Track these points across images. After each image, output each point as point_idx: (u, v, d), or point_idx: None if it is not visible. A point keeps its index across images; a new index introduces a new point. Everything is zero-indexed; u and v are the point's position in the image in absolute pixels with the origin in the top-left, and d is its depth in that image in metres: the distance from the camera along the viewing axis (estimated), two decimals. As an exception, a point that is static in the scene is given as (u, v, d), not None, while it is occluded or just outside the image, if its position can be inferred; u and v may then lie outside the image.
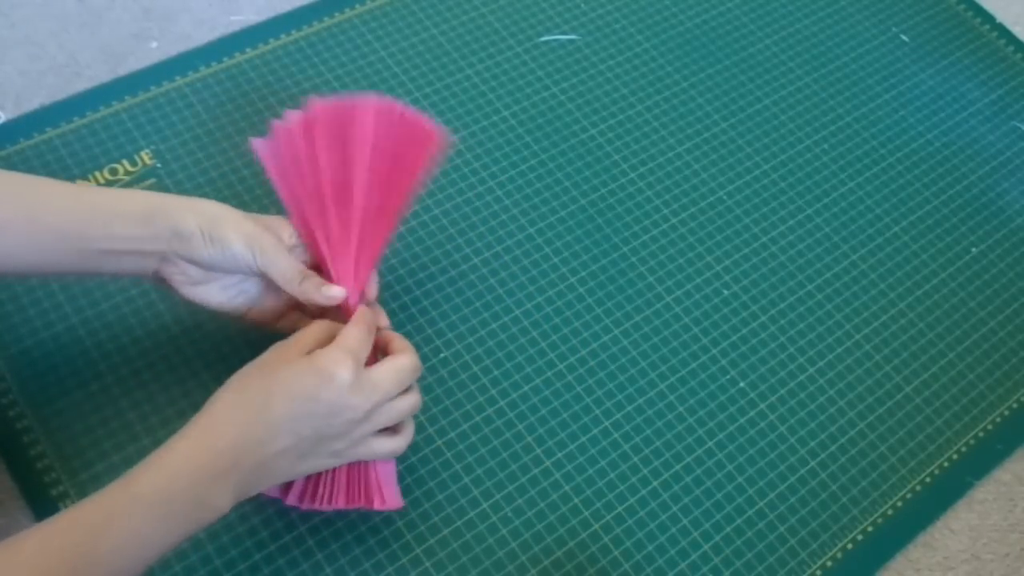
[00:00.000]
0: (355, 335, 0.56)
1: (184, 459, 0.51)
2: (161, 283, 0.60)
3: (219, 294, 0.60)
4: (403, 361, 0.58)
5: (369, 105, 0.60)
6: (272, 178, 0.60)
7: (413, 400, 0.59)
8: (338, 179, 0.59)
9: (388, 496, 0.59)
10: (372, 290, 0.62)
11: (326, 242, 0.59)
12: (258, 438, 0.52)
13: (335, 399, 0.54)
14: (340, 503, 0.58)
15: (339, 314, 0.60)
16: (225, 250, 0.57)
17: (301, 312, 0.63)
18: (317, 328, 0.57)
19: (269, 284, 0.61)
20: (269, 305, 0.62)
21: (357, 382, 0.54)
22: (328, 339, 0.56)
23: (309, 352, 0.55)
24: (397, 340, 0.60)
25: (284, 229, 0.60)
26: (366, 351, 0.56)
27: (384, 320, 0.62)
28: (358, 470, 0.59)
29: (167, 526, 0.50)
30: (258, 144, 0.60)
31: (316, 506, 0.58)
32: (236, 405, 0.53)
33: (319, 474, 0.58)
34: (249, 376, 0.54)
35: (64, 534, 0.48)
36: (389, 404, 0.57)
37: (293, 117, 0.60)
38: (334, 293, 0.59)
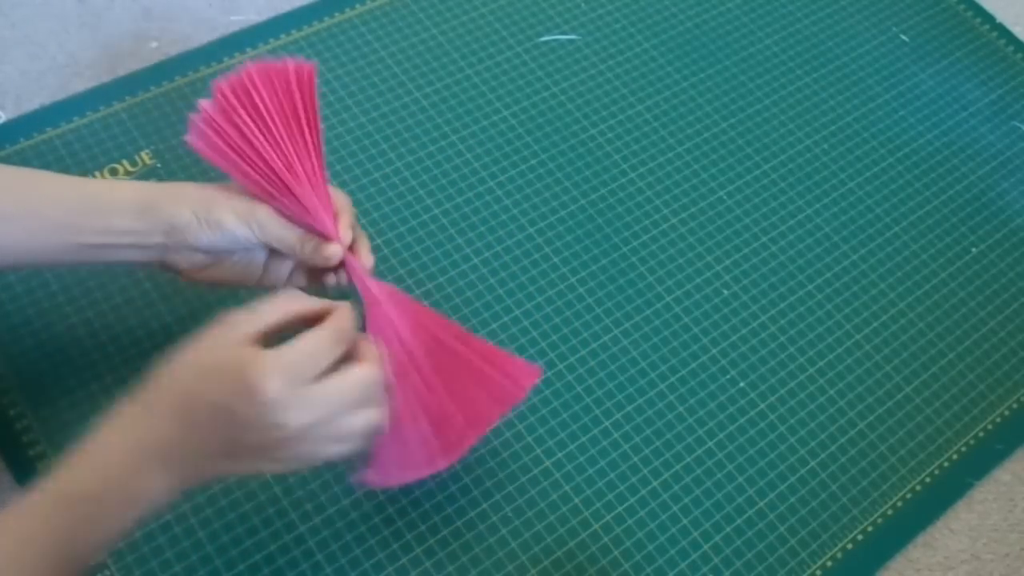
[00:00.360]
0: (304, 348, 0.49)
1: (104, 451, 0.48)
2: (171, 271, 0.59)
3: (230, 271, 0.60)
4: (360, 374, 0.51)
5: (252, 72, 0.59)
6: (215, 164, 0.59)
7: (368, 417, 0.52)
8: (268, 142, 0.58)
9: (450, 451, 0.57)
10: (349, 229, 0.59)
11: (290, 199, 0.58)
12: (181, 434, 0.49)
13: (254, 418, 0.48)
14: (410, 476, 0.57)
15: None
16: (224, 231, 0.57)
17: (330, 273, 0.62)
18: (280, 304, 0.52)
19: (275, 250, 0.61)
20: (278, 270, 0.62)
21: (289, 399, 0.48)
22: (286, 317, 0.51)
23: (259, 333, 0.50)
24: (365, 347, 0.54)
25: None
26: (315, 364, 0.50)
27: (368, 259, 0.60)
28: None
29: (97, 526, 0.48)
30: (189, 139, 0.59)
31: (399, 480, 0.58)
32: (154, 398, 0.49)
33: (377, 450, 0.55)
34: (187, 360, 0.50)
35: (28, 531, 0.46)
36: (338, 421, 0.51)
37: (206, 105, 0.59)
38: (331, 252, 0.58)
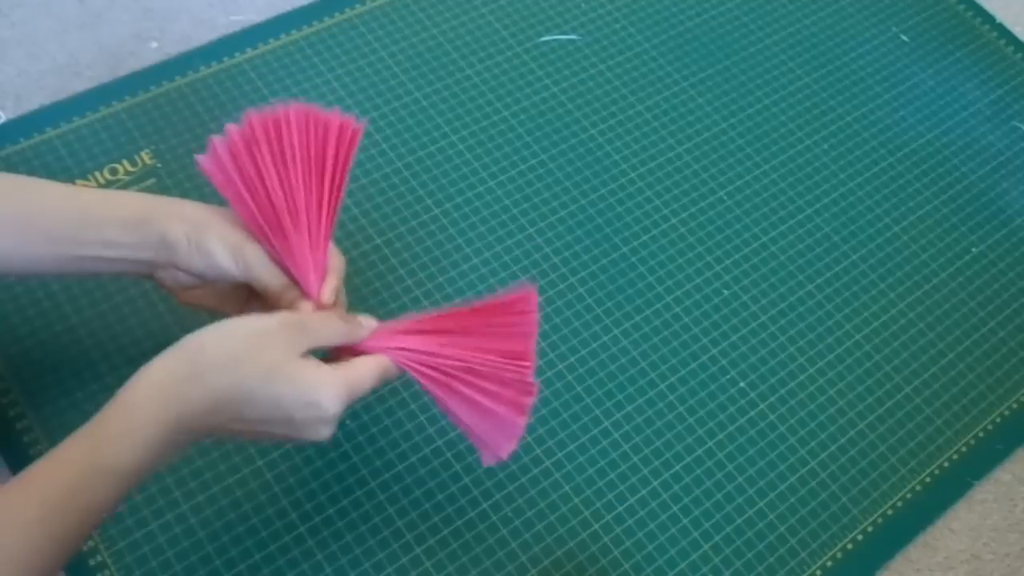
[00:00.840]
0: (365, 382, 0.54)
1: (149, 430, 0.49)
2: (160, 286, 0.59)
3: (212, 298, 0.60)
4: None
5: (291, 112, 0.58)
6: (220, 190, 0.58)
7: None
8: (280, 185, 0.58)
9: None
10: (332, 293, 0.59)
11: (283, 245, 0.57)
12: (224, 421, 0.51)
13: (309, 424, 0.52)
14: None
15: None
16: (210, 260, 0.56)
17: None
18: (333, 329, 0.55)
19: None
20: (265, 306, 0.61)
21: (340, 417, 0.53)
22: (331, 344, 0.55)
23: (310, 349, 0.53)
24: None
25: None
26: (366, 392, 0.55)
27: (339, 294, 0.60)
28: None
29: (125, 489, 0.49)
30: (202, 160, 0.58)
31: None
32: (223, 383, 0.50)
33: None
34: (249, 356, 0.51)
35: (32, 514, 0.47)
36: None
37: (232, 130, 0.58)
38: (306, 307, 0.57)
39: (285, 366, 0.51)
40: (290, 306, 0.57)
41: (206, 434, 0.52)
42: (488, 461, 0.59)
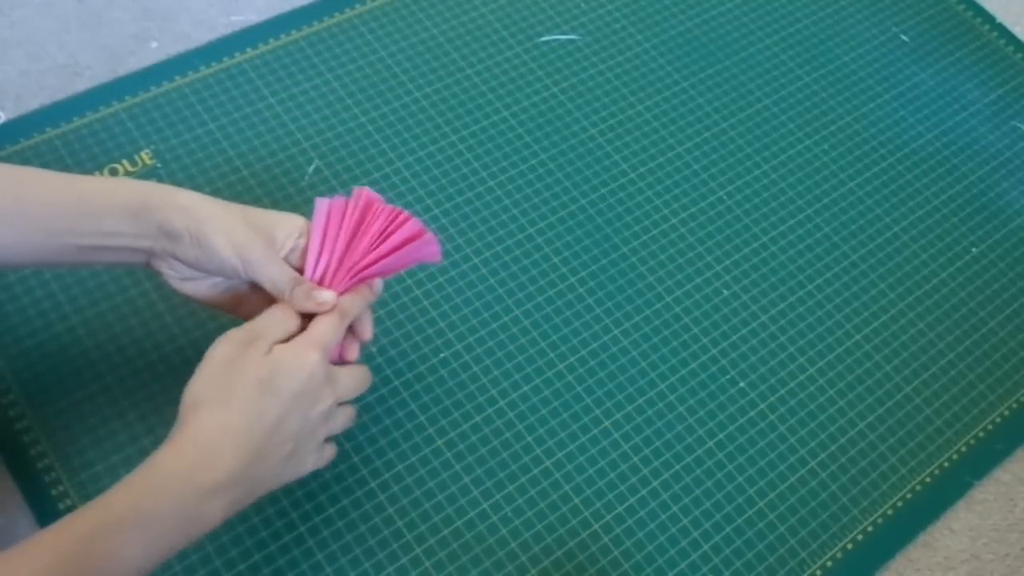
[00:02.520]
0: (325, 328, 0.56)
1: (171, 476, 0.50)
2: (155, 273, 0.59)
3: (208, 290, 0.59)
4: (363, 370, 0.59)
5: (399, 214, 0.61)
6: (314, 226, 0.60)
7: (351, 414, 0.59)
8: (351, 246, 0.60)
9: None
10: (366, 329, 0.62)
11: (320, 261, 0.60)
12: (257, 444, 0.52)
13: (313, 386, 0.54)
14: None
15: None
16: (211, 255, 0.55)
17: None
18: (279, 315, 0.56)
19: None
20: (258, 301, 0.60)
21: (326, 373, 0.55)
22: (289, 327, 0.56)
23: (272, 341, 0.54)
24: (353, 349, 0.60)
25: (282, 228, 0.58)
26: (334, 342, 0.56)
27: (367, 333, 0.62)
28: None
29: (151, 548, 0.49)
30: (320, 201, 0.60)
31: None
32: (227, 420, 0.51)
33: None
34: (229, 383, 0.52)
35: (41, 562, 0.47)
36: (340, 408, 0.57)
37: (356, 195, 0.61)
38: (324, 298, 0.57)
39: (267, 371, 0.53)
40: (303, 300, 0.57)
41: (247, 481, 0.52)
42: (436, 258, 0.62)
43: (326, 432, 0.57)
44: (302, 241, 0.59)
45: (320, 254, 0.59)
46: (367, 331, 0.61)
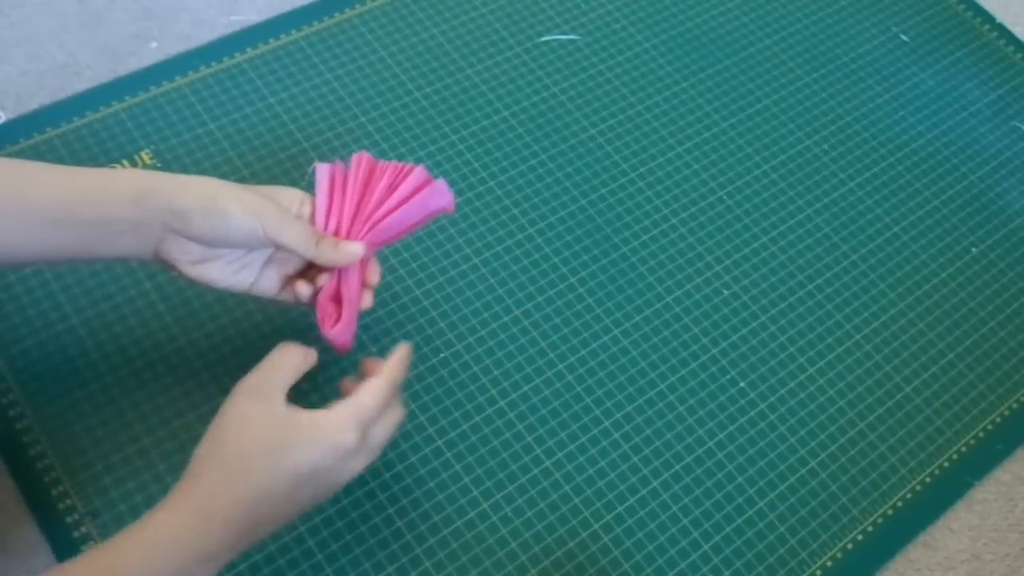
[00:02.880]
0: (370, 404, 0.54)
1: (172, 539, 0.49)
2: (164, 264, 0.58)
3: (222, 271, 0.58)
4: (399, 417, 0.57)
5: (408, 168, 0.62)
6: (319, 189, 0.60)
7: (398, 418, 0.58)
8: (361, 205, 0.61)
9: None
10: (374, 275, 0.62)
11: (329, 222, 0.60)
12: (260, 515, 0.51)
13: (340, 466, 0.53)
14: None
15: (346, 283, 0.60)
16: (229, 224, 0.55)
17: (304, 281, 0.61)
18: (288, 356, 0.55)
19: (272, 257, 0.60)
20: (272, 278, 0.61)
21: (361, 448, 0.53)
22: (298, 364, 0.55)
23: (287, 387, 0.54)
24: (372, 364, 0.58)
25: (283, 197, 0.59)
26: (379, 414, 0.55)
27: (375, 276, 0.62)
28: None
29: None
30: (320, 165, 0.60)
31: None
32: (233, 483, 0.51)
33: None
34: (239, 445, 0.52)
35: None
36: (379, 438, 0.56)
37: (357, 160, 0.62)
38: (353, 249, 0.57)
39: (280, 438, 0.52)
40: (332, 252, 0.57)
41: (243, 544, 0.52)
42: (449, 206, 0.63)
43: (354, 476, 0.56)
44: (305, 209, 0.60)
45: (328, 215, 0.60)
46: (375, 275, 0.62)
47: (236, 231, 0.55)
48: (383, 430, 0.56)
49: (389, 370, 0.56)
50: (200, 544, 0.50)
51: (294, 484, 0.52)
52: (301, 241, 0.57)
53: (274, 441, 0.52)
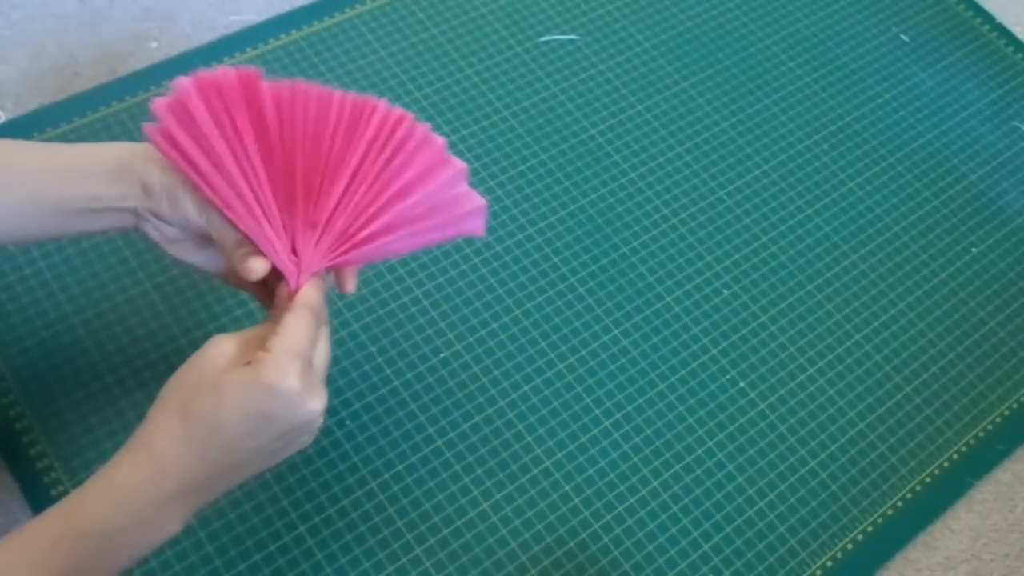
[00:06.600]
0: (297, 331, 0.50)
1: (127, 489, 0.48)
2: (145, 237, 0.56)
3: (197, 253, 0.57)
4: (327, 344, 0.53)
5: (275, 85, 0.54)
6: (174, 159, 0.53)
7: (326, 350, 0.53)
8: (256, 153, 0.53)
9: None
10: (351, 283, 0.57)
11: (254, 213, 0.53)
12: (211, 460, 0.49)
13: (290, 413, 0.49)
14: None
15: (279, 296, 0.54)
16: (183, 210, 0.53)
17: (261, 256, 0.56)
18: (260, 327, 0.53)
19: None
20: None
21: (308, 386, 0.49)
22: (234, 355, 0.51)
23: (251, 354, 0.50)
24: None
25: None
26: (312, 344, 0.51)
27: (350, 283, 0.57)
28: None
29: (111, 557, 0.49)
30: (150, 128, 0.54)
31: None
32: (182, 431, 0.49)
33: None
34: (190, 395, 0.50)
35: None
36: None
37: (185, 88, 0.54)
38: (254, 266, 0.53)
39: (224, 382, 0.49)
40: (239, 263, 0.53)
41: (205, 488, 0.50)
42: (479, 231, 0.55)
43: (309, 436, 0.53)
44: None
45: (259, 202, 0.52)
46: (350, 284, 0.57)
47: (181, 217, 0.54)
48: (323, 355, 0.52)
49: (303, 297, 0.52)
50: (157, 492, 0.48)
51: (244, 429, 0.49)
52: (222, 240, 0.54)
53: (207, 367, 0.50)
